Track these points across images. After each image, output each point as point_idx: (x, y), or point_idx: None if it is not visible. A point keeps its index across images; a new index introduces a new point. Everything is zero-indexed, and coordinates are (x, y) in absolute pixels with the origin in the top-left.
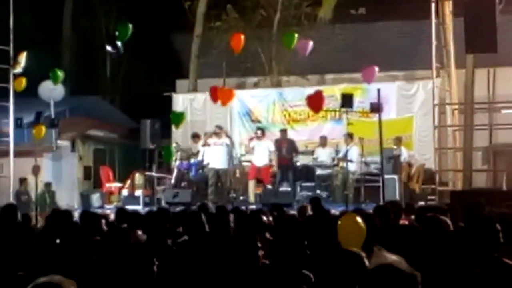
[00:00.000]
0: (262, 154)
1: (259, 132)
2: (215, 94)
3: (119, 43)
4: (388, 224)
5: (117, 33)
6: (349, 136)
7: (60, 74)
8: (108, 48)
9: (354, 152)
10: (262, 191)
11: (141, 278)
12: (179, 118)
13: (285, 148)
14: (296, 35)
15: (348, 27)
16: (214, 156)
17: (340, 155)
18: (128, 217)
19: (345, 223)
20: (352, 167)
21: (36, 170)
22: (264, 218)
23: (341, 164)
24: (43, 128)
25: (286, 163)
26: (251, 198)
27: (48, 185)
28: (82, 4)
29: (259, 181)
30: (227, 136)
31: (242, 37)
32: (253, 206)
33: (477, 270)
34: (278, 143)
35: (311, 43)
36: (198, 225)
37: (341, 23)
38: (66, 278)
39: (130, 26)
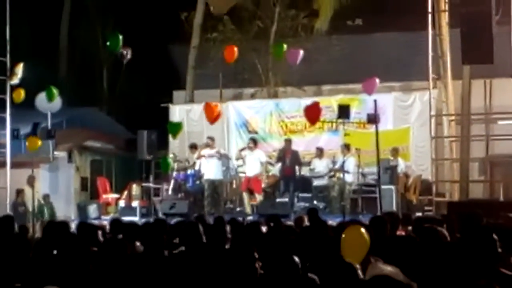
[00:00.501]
0: (253, 165)
1: (250, 142)
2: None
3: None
4: (384, 235)
5: (108, 44)
6: (346, 147)
7: (55, 91)
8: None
9: (350, 163)
10: (259, 201)
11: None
12: (176, 128)
13: (289, 159)
14: (285, 46)
15: (345, 38)
16: (209, 168)
17: (337, 166)
18: (124, 228)
19: (349, 236)
20: (348, 178)
21: (31, 181)
22: (263, 229)
23: (337, 175)
24: (38, 141)
25: (289, 174)
26: (247, 209)
27: (46, 197)
28: (79, 15)
29: (251, 192)
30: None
31: (236, 49)
32: (250, 217)
33: (481, 282)
34: (282, 153)
35: (301, 52)
36: (195, 236)
37: (337, 34)
38: None
39: (120, 37)
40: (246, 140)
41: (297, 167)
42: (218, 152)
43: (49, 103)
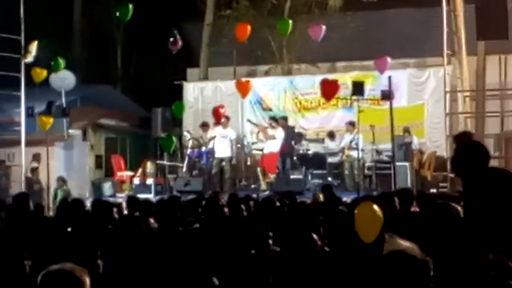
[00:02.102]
0: (273, 143)
1: (273, 122)
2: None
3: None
4: (394, 211)
5: (117, 14)
6: (351, 124)
7: (62, 61)
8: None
9: (359, 140)
10: (274, 178)
11: (152, 265)
12: (180, 108)
13: (285, 135)
14: (290, 22)
15: (359, 15)
16: (220, 146)
17: (343, 143)
18: (139, 205)
19: (362, 212)
20: (356, 154)
21: (37, 158)
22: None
23: (346, 152)
24: (49, 120)
25: (286, 151)
26: (262, 185)
27: (60, 180)
28: None
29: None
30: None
31: (249, 27)
32: (265, 193)
33: (489, 256)
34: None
35: (323, 28)
36: (216, 210)
37: (352, 11)
38: (78, 266)
39: (131, 6)
40: (260, 118)
41: (293, 143)
42: (229, 136)
43: (64, 75)
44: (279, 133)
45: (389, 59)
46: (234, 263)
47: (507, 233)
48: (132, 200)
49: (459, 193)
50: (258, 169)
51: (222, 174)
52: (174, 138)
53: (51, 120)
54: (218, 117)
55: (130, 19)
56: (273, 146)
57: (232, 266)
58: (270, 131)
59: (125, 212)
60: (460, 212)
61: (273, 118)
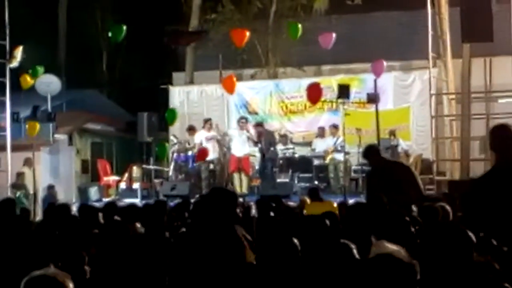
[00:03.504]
0: (243, 144)
1: (242, 120)
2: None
3: None
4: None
5: (110, 34)
6: (334, 127)
7: (40, 68)
8: None
9: (343, 143)
10: (260, 182)
11: (140, 270)
12: (173, 115)
13: (263, 140)
14: (300, 25)
15: (344, 18)
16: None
17: (325, 147)
18: (123, 210)
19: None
20: (340, 157)
21: (29, 162)
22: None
23: (330, 155)
24: (37, 124)
25: (265, 156)
26: (237, 189)
27: (50, 188)
28: None
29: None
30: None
31: (247, 32)
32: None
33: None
34: (258, 137)
35: (334, 35)
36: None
37: (337, 14)
38: (60, 271)
39: (124, 27)
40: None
41: (271, 148)
42: (215, 136)
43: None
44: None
45: (385, 64)
46: (221, 268)
47: None
48: (110, 207)
49: (445, 195)
50: (235, 174)
51: (210, 177)
52: (167, 145)
53: (37, 125)
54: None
55: (115, 23)
56: (244, 147)
57: (219, 271)
58: (230, 131)
59: (101, 220)
60: (449, 213)
61: (243, 118)
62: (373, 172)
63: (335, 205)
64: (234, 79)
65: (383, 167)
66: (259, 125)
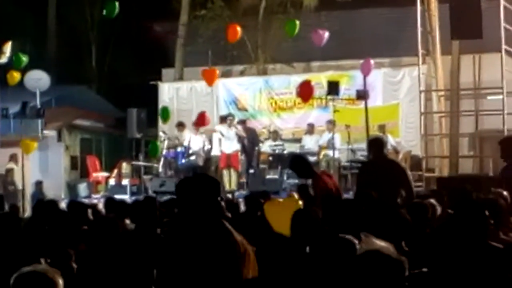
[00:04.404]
0: (232, 141)
1: (230, 117)
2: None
3: None
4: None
5: (104, 12)
6: (332, 123)
7: (24, 58)
8: None
9: (337, 139)
10: (249, 178)
11: (130, 267)
12: (167, 113)
13: (247, 138)
14: (297, 22)
15: (334, 14)
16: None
17: (321, 142)
18: (116, 206)
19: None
20: (335, 154)
21: (15, 158)
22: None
23: (323, 151)
24: (34, 144)
25: (248, 153)
26: (232, 185)
27: (38, 184)
28: None
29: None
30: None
31: (238, 28)
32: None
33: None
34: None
35: (327, 33)
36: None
37: (326, 11)
38: (50, 267)
39: (117, 3)
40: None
41: (256, 144)
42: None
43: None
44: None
45: (372, 62)
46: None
47: None
48: (109, 202)
49: (432, 192)
50: (224, 170)
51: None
52: (158, 143)
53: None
54: (202, 121)
55: (104, 19)
56: (233, 144)
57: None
58: (218, 127)
59: (103, 213)
60: (438, 210)
61: (231, 115)
62: (367, 167)
63: (299, 202)
64: (217, 72)
65: (380, 164)
66: (242, 122)
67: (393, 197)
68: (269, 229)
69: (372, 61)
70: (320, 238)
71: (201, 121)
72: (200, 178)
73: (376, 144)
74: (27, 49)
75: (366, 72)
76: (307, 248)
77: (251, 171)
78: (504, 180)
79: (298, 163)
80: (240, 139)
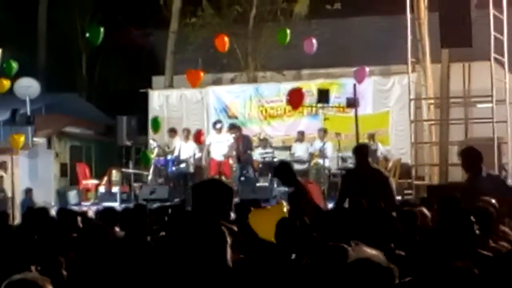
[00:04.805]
0: (221, 148)
1: (218, 125)
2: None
3: None
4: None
5: (87, 35)
6: (323, 131)
7: (14, 65)
8: None
9: (328, 148)
10: (240, 186)
11: (120, 274)
12: (157, 124)
13: (241, 145)
14: (288, 31)
15: (324, 23)
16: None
17: (311, 150)
18: (105, 214)
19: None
20: (326, 162)
21: (4, 167)
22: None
23: (315, 160)
24: (21, 137)
25: (242, 160)
26: None
27: (28, 191)
28: (57, 0)
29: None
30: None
31: (226, 38)
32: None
33: (457, 263)
34: (235, 140)
35: (315, 41)
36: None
37: (317, 19)
38: (40, 275)
39: (102, 29)
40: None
41: (249, 152)
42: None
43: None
44: (224, 137)
45: (367, 70)
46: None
47: None
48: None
49: (422, 200)
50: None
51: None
52: (148, 153)
53: (22, 138)
54: (199, 138)
55: (95, 26)
56: (223, 151)
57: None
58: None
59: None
60: (428, 218)
61: (219, 122)
62: (351, 174)
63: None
64: (201, 74)
65: (363, 171)
66: (236, 127)
67: (374, 205)
68: (254, 236)
69: (367, 69)
70: (307, 245)
71: (198, 138)
72: (215, 183)
73: (360, 152)
74: (17, 56)
75: (360, 79)
76: (293, 255)
77: (242, 178)
78: (478, 192)
79: (281, 170)
80: (232, 147)
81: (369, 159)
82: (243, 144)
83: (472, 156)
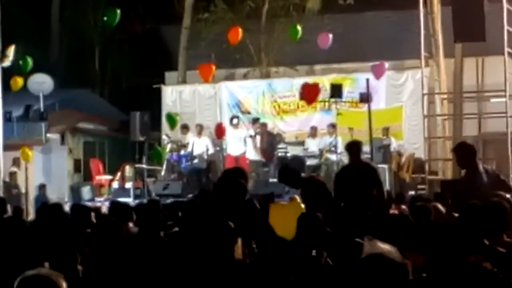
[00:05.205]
0: (238, 143)
1: (235, 121)
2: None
3: None
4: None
5: (105, 18)
6: (333, 127)
7: (30, 61)
8: None
9: (339, 143)
10: (254, 182)
11: (134, 269)
12: (173, 120)
13: (266, 142)
14: (300, 27)
15: (337, 18)
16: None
17: (321, 145)
18: (119, 209)
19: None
20: (336, 157)
21: (17, 162)
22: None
23: (325, 155)
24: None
25: (268, 159)
26: None
27: (42, 187)
28: None
29: None
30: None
31: (240, 30)
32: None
33: (470, 258)
34: (260, 136)
35: (330, 36)
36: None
37: (329, 14)
38: (54, 271)
39: (118, 11)
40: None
41: (275, 149)
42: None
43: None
44: (240, 133)
45: (386, 65)
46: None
47: None
48: (113, 205)
49: (435, 195)
50: None
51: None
52: (160, 149)
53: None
54: (220, 132)
55: (111, 8)
56: (239, 147)
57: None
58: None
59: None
60: (442, 212)
61: (235, 117)
62: (345, 171)
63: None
64: (213, 67)
65: (355, 167)
66: (259, 122)
67: (368, 197)
68: (271, 232)
69: (386, 64)
70: (325, 241)
71: (219, 132)
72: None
73: (353, 149)
74: (30, 53)
75: (378, 75)
76: (313, 252)
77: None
78: (476, 187)
79: (284, 175)
80: (255, 139)
81: (361, 155)
82: (268, 142)
83: (465, 152)
